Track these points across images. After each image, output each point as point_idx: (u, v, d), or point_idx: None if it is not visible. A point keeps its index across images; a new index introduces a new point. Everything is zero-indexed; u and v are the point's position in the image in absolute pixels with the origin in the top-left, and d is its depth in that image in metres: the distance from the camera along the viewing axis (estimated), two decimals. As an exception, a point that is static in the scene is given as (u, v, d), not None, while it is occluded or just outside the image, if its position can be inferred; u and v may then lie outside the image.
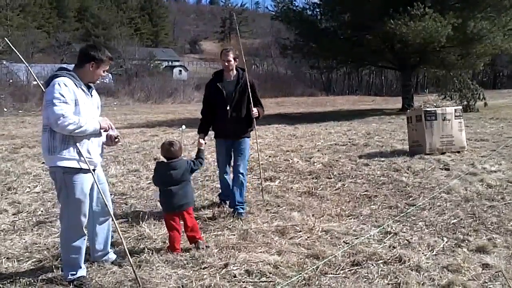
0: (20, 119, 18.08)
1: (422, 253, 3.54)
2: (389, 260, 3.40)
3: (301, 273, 3.15)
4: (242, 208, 4.61)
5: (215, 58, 63.34)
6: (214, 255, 3.48)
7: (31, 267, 3.43)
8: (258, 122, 4.76)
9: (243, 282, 3.09)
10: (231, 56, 4.58)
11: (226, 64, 4.60)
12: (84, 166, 3.05)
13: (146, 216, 4.45)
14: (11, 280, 3.16)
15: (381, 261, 3.39)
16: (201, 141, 4.18)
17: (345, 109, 23.73)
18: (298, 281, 3.07)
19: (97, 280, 3.15)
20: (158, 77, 38.62)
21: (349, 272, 3.24)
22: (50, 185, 5.74)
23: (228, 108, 4.58)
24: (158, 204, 4.46)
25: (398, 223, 4.30)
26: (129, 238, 3.96)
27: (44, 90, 3.04)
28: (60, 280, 3.14)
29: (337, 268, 3.29)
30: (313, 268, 3.25)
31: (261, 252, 3.58)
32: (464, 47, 17.19)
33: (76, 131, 2.96)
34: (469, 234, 3.95)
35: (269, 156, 7.84)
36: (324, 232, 4.05)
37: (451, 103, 10.95)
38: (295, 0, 20.11)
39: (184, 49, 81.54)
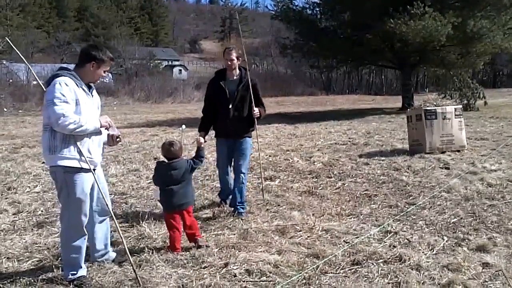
0: (20, 119, 18.08)
1: (422, 252, 3.54)
2: (389, 259, 3.40)
3: (301, 273, 3.15)
4: (242, 208, 4.61)
5: (215, 57, 63.51)
6: (214, 255, 3.48)
7: (31, 267, 3.43)
8: (259, 121, 4.75)
9: (243, 281, 3.09)
10: (234, 55, 4.57)
11: (229, 63, 4.58)
12: (85, 165, 3.05)
13: (146, 216, 4.45)
14: (11, 280, 3.16)
15: (381, 260, 3.39)
16: (201, 140, 4.15)
17: (345, 108, 23.73)
18: (298, 280, 3.07)
19: (98, 279, 3.15)
20: (158, 76, 38.57)
21: (349, 271, 3.24)
22: (50, 185, 5.75)
23: (230, 107, 4.56)
24: (158, 203, 4.47)
25: (398, 222, 4.30)
26: (129, 238, 3.96)
27: (45, 89, 3.04)
28: (61, 280, 3.14)
29: (337, 267, 3.29)
30: (313, 268, 3.25)
31: (261, 251, 3.58)
32: (464, 46, 17.20)
33: (77, 130, 2.96)
34: (469, 233, 3.96)
35: (269, 156, 7.84)
36: (324, 232, 4.05)
37: (451, 102, 10.96)
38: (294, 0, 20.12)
39: (184, 48, 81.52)
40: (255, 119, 4.67)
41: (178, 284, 3.04)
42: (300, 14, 19.72)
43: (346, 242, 3.79)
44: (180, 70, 56.56)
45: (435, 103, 8.29)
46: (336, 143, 9.19)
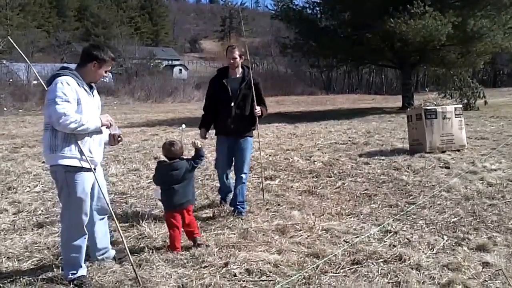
0: (20, 119, 18.08)
1: (422, 252, 3.54)
2: (389, 259, 3.40)
3: (301, 272, 3.15)
4: (242, 207, 4.61)
5: (215, 57, 63.51)
6: (214, 254, 3.48)
7: (32, 267, 3.43)
8: (259, 121, 4.75)
9: (243, 281, 3.10)
10: (236, 53, 4.55)
11: (232, 61, 4.56)
12: (86, 165, 3.05)
13: (146, 215, 4.45)
14: (12, 279, 3.16)
15: (381, 259, 3.39)
16: (197, 143, 3.88)
17: (345, 107, 23.72)
18: (298, 280, 3.07)
19: (98, 279, 3.15)
20: (158, 76, 38.56)
21: (349, 271, 3.24)
22: (50, 184, 5.75)
23: (232, 105, 4.55)
24: (159, 203, 4.47)
25: (398, 221, 4.30)
26: (129, 237, 3.96)
27: (46, 88, 3.04)
28: (61, 280, 3.14)
29: (337, 267, 3.29)
30: (313, 267, 3.25)
31: (261, 251, 3.58)
32: (464, 45, 17.19)
33: (78, 129, 2.96)
34: (469, 232, 3.96)
35: (269, 155, 7.84)
36: (324, 231, 4.05)
37: (451, 102, 10.92)
38: (294, -1, 20.14)
39: (184, 48, 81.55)
40: (257, 118, 4.66)
41: (178, 284, 3.05)
42: (300, 13, 19.71)
43: (346, 242, 3.79)
44: (180, 69, 56.57)
45: (435, 103, 8.26)
46: (336, 143, 9.19)
